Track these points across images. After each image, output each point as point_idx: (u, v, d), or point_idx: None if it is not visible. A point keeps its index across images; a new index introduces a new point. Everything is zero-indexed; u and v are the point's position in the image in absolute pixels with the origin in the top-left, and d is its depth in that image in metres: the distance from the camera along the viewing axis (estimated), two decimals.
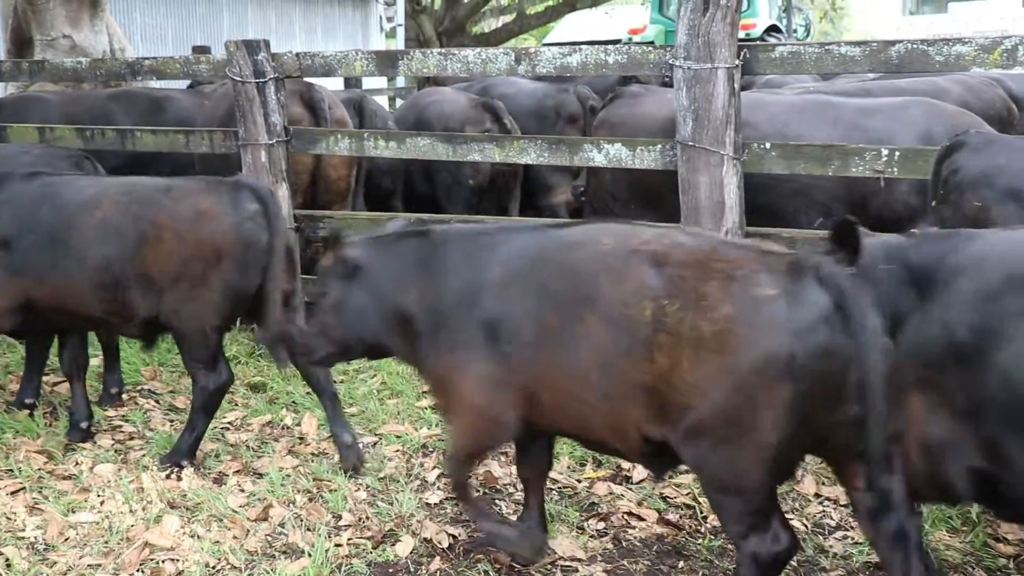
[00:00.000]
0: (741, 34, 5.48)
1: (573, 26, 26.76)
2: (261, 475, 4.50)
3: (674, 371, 2.90)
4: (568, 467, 4.57)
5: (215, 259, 4.35)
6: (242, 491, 4.33)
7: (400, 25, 23.88)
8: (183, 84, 9.35)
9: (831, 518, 4.11)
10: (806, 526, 4.06)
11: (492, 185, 7.85)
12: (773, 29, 18.73)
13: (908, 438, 2.93)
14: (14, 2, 10.70)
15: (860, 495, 3.05)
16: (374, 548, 3.88)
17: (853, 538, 3.94)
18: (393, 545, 3.90)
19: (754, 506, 3.01)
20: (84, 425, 4.85)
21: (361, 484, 4.41)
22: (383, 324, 3.56)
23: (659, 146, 5.26)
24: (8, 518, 4.02)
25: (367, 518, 4.13)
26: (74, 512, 4.11)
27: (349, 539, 3.93)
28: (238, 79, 6.05)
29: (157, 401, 5.44)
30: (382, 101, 14.92)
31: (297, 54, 6.10)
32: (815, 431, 2.90)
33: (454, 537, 3.97)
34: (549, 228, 3.45)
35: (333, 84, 11.40)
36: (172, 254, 4.36)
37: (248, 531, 3.97)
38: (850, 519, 4.08)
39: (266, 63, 6.03)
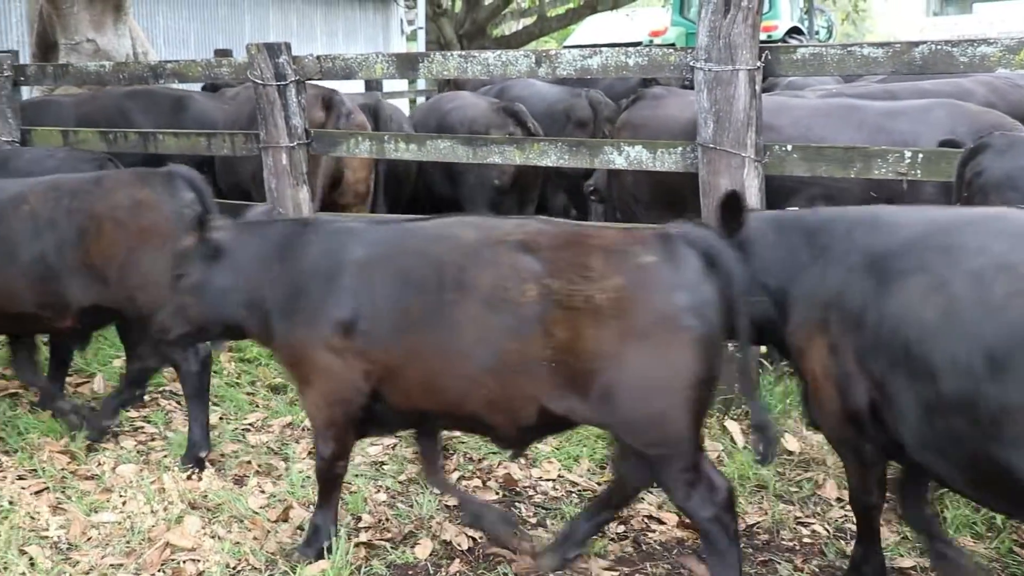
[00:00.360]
0: (762, 36, 5.45)
1: (594, 28, 26.72)
2: (281, 476, 4.51)
3: (577, 342, 3.13)
4: (588, 470, 4.56)
5: (160, 246, 4.39)
6: (262, 492, 4.34)
7: (421, 28, 23.92)
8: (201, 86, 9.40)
9: (853, 523, 4.08)
10: (828, 530, 4.04)
11: (514, 185, 7.87)
12: (795, 31, 18.63)
13: (818, 376, 3.23)
14: (40, 7, 10.79)
15: None
16: (393, 550, 3.88)
17: None
18: (412, 547, 3.91)
19: (686, 460, 3.21)
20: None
21: (381, 486, 4.41)
22: (243, 305, 3.69)
23: (680, 148, 5.24)
24: (32, 517, 4.04)
25: (387, 520, 4.13)
26: (96, 512, 4.13)
27: (368, 541, 3.93)
28: (259, 82, 6.07)
29: (179, 402, 5.45)
30: (402, 104, 14.96)
31: (318, 57, 6.13)
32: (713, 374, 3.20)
33: (474, 539, 3.97)
34: (413, 222, 3.68)
35: (353, 87, 11.44)
36: (116, 244, 4.45)
37: (268, 532, 3.98)
38: None
39: (287, 66, 6.05)
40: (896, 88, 6.69)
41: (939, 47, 4.65)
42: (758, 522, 4.10)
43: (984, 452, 2.79)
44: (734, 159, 4.99)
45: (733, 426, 4.88)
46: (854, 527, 4.01)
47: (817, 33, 20.55)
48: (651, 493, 4.33)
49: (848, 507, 4.18)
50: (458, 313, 3.27)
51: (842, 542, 3.94)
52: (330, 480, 3.75)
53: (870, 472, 3.33)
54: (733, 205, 3.49)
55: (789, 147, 5.07)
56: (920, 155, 4.76)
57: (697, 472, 3.22)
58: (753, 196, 5.01)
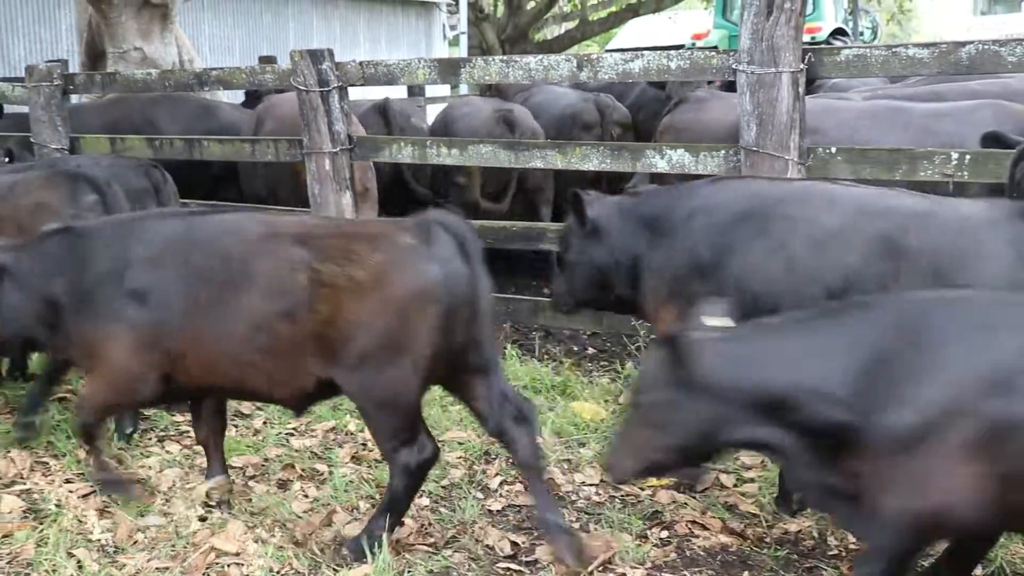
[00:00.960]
0: (806, 38, 5.41)
1: (636, 32, 26.61)
2: (324, 481, 4.53)
3: (337, 315, 3.50)
4: None
5: None
6: (306, 497, 4.36)
7: (463, 33, 23.99)
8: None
9: None
10: None
11: (521, 187, 7.96)
12: (839, 32, 18.41)
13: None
14: (89, 17, 10.96)
15: (479, 403, 3.76)
16: (436, 554, 3.88)
17: None
18: (455, 552, 3.91)
19: (407, 421, 3.61)
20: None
21: (423, 490, 4.41)
22: (33, 317, 3.94)
23: (722, 151, 5.21)
24: (79, 521, 4.09)
25: (429, 524, 4.14)
26: (142, 516, 4.17)
27: (411, 545, 3.94)
28: (302, 88, 6.12)
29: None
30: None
31: (360, 63, 6.16)
32: (452, 347, 3.56)
33: (517, 544, 3.97)
34: (195, 215, 4.00)
35: (396, 92, 11.49)
36: None
37: (311, 536, 4.00)
38: None
39: (330, 72, 6.09)
40: (943, 89, 6.60)
41: (986, 47, 4.58)
42: (803, 528, 4.05)
43: None
44: (777, 162, 4.95)
45: None
46: None
47: (862, 34, 20.31)
48: (694, 498, 4.30)
49: None
50: (241, 299, 3.60)
51: None
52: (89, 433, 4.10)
53: None
54: (577, 200, 4.26)
55: (833, 150, 5.02)
56: (967, 156, 4.70)
57: (413, 433, 3.62)
58: None
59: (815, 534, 4.01)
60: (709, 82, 8.14)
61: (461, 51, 24.05)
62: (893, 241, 3.55)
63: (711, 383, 2.91)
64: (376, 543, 3.67)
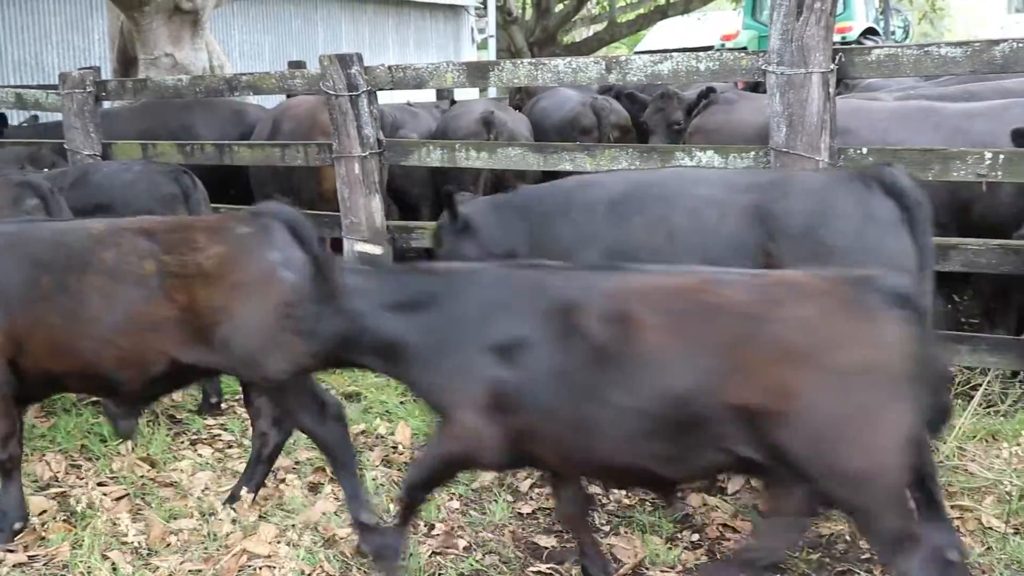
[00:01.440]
0: (836, 38, 5.37)
1: (665, 33, 26.56)
2: None
3: (194, 302, 3.77)
4: None
5: None
6: (336, 499, 4.37)
7: (491, 36, 24.02)
8: (280, 99, 9.56)
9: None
10: None
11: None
12: (870, 32, 18.27)
13: None
14: (121, 24, 11.07)
15: None
16: (466, 557, 3.89)
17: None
18: (485, 555, 3.91)
19: (298, 387, 3.88)
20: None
21: (454, 494, 4.43)
22: None
23: (752, 153, 5.19)
24: (113, 523, 4.13)
25: (460, 527, 4.14)
26: (175, 519, 4.20)
27: (441, 548, 3.95)
28: (331, 92, 6.15)
29: None
30: None
31: (389, 67, 6.18)
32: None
33: (547, 547, 3.96)
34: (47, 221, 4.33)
35: (424, 96, 11.53)
36: None
37: (342, 539, 4.02)
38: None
39: (359, 76, 6.12)
40: (976, 88, 6.54)
41: (1020, 45, 4.53)
42: (836, 532, 4.03)
43: None
44: (807, 163, 4.92)
45: None
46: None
47: (893, 33, 20.16)
48: (726, 501, 4.28)
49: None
50: (88, 289, 3.82)
51: None
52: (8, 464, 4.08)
53: None
54: (450, 199, 4.64)
55: (864, 150, 4.98)
56: (1001, 156, 4.64)
57: (303, 389, 3.91)
58: None
59: (848, 538, 3.98)
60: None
61: (489, 54, 24.08)
62: (763, 208, 3.99)
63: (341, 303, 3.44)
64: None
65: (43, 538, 4.06)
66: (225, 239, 3.85)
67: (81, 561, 3.82)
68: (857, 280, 2.94)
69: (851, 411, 2.78)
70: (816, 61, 4.83)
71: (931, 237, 3.86)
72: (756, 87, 7.86)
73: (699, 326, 2.93)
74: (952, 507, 4.12)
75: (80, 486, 4.51)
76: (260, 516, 4.19)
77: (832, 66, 4.85)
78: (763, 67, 5.01)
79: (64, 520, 4.21)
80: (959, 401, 4.93)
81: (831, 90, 4.88)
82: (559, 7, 25.22)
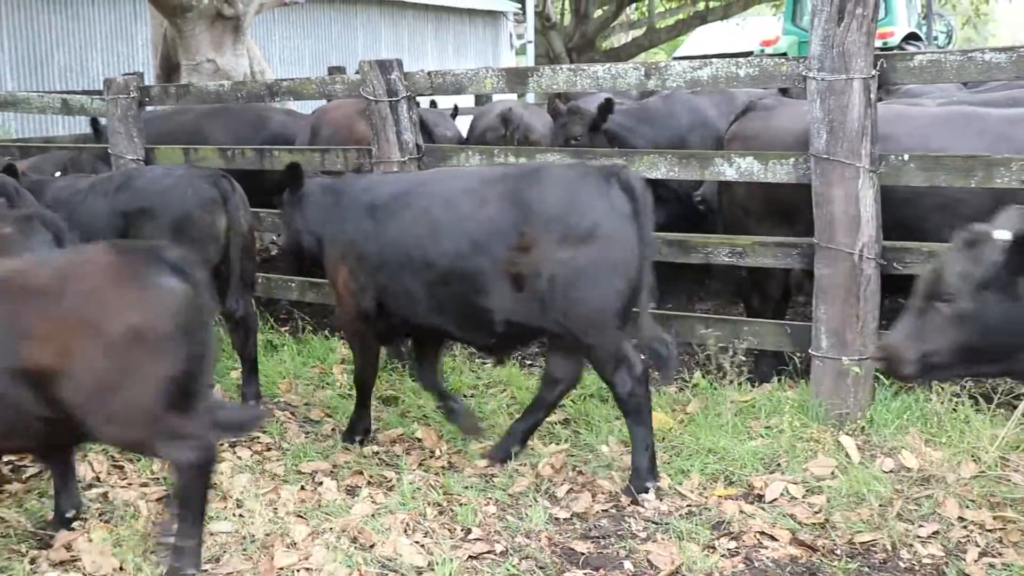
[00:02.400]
0: (878, 43, 5.32)
1: (704, 39, 26.46)
2: (392, 487, 4.57)
3: None
4: (699, 484, 4.51)
5: None
6: (373, 503, 4.40)
7: (530, 42, 24.08)
8: (319, 103, 9.63)
9: (973, 542, 3.95)
10: (947, 550, 3.90)
11: None
12: (912, 37, 18.10)
13: (342, 293, 4.92)
14: (164, 30, 11.21)
15: None
16: (503, 562, 3.89)
17: (997, 564, 3.77)
18: (521, 560, 3.91)
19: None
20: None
21: (491, 498, 4.43)
22: None
23: (792, 159, 5.16)
24: (154, 524, 4.17)
25: (496, 532, 4.15)
26: (214, 520, 4.24)
27: (477, 552, 3.95)
28: (371, 98, 6.18)
29: (292, 413, 5.58)
30: None
31: (429, 73, 6.21)
32: None
33: (583, 553, 3.96)
34: None
35: (464, 101, 11.58)
36: None
37: (379, 542, 4.03)
38: (997, 544, 3.91)
39: (398, 82, 6.15)
40: (1021, 94, 6.46)
41: None
42: (874, 540, 3.99)
43: (470, 302, 4.51)
44: (848, 169, 4.89)
45: (848, 441, 4.77)
46: (975, 546, 3.89)
47: (936, 39, 19.96)
48: (762, 509, 4.26)
49: (970, 526, 4.06)
50: None
51: (962, 562, 3.80)
52: None
53: (372, 353, 5.10)
54: (295, 173, 5.09)
55: (906, 157, 4.94)
56: None
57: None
58: (867, 206, 4.89)
59: (888, 547, 3.94)
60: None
61: (528, 60, 24.14)
62: (517, 194, 4.48)
63: None
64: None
65: (89, 539, 4.10)
66: None
67: (121, 561, 3.86)
68: (138, 252, 3.67)
69: (120, 364, 3.42)
70: (857, 67, 4.80)
71: (652, 231, 4.51)
72: (785, 93, 7.80)
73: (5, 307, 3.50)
74: (995, 518, 4.08)
75: (122, 487, 4.57)
76: (298, 517, 4.23)
77: (874, 72, 4.81)
78: (803, 73, 4.98)
79: (106, 520, 4.26)
80: (1001, 411, 4.87)
81: (872, 96, 4.85)
82: (598, 13, 25.23)
